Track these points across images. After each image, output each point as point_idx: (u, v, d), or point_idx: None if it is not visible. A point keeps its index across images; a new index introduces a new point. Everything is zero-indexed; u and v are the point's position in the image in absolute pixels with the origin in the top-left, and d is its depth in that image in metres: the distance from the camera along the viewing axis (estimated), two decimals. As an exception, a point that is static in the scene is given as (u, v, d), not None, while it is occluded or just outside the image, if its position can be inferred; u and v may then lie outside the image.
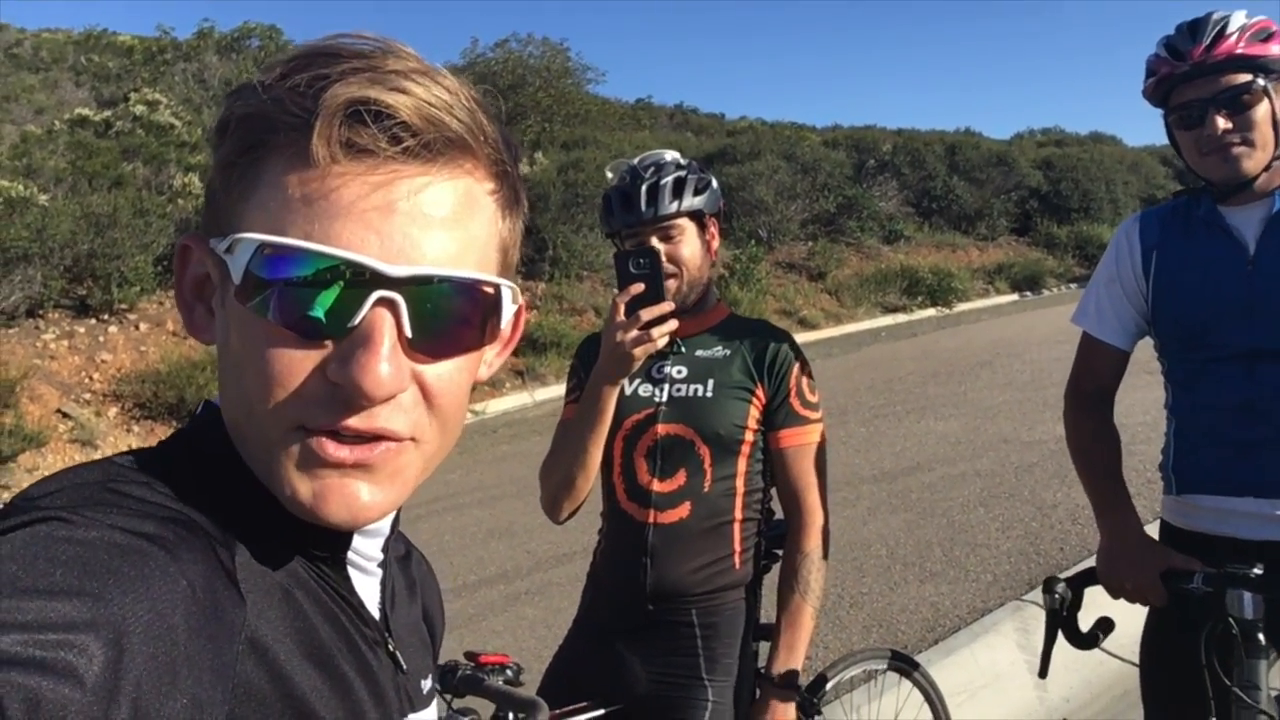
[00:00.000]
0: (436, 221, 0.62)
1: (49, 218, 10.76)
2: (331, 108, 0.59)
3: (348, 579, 0.72)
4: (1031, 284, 21.29)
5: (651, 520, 2.05)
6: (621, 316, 1.86)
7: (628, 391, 2.09)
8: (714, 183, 2.16)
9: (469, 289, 0.64)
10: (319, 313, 0.60)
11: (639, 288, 1.85)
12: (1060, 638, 1.99)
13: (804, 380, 2.11)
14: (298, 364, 0.60)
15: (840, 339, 16.40)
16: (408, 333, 0.61)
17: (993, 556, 5.46)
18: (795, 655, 2.04)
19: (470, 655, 2.03)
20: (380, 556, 0.76)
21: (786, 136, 23.77)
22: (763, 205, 19.04)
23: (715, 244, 2.16)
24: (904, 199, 22.81)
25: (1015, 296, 20.87)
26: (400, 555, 0.86)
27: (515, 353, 13.26)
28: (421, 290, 0.61)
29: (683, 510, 2.05)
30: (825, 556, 2.10)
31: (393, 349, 0.60)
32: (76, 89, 20.81)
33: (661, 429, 2.07)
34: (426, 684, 0.82)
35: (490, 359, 0.74)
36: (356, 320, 0.60)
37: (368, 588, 0.75)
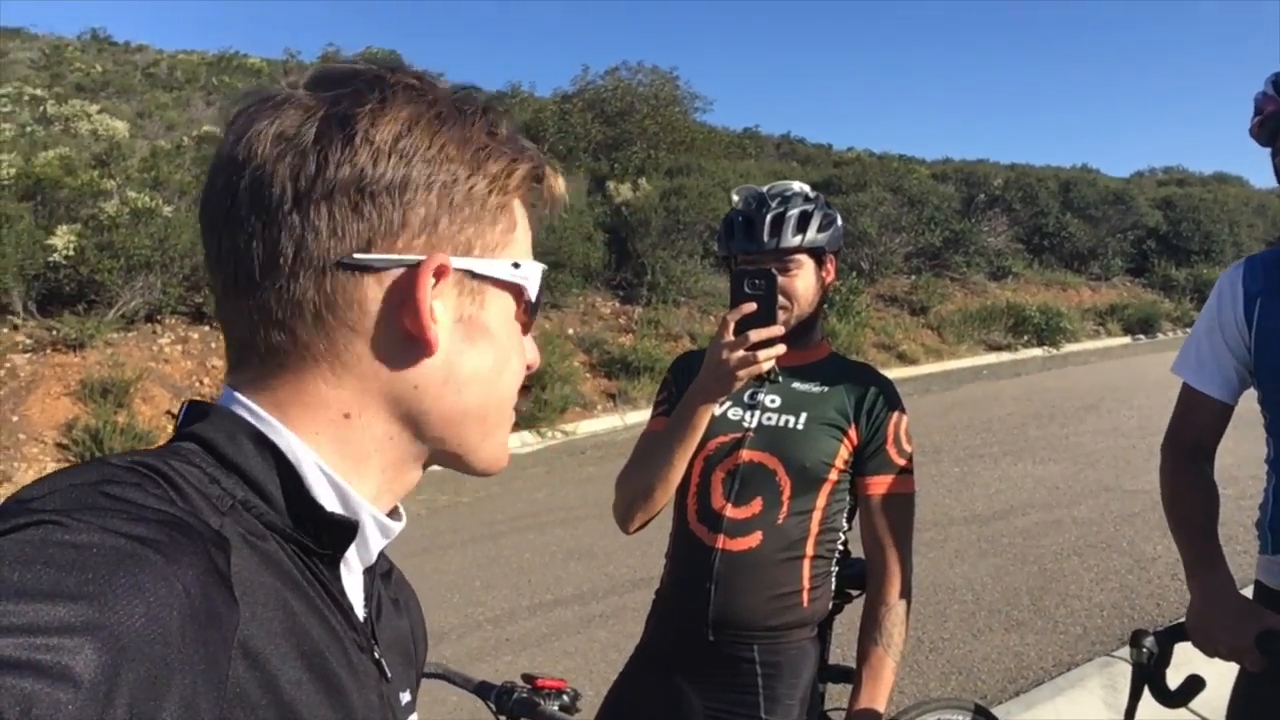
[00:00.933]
0: None
1: (171, 228, 11.24)
2: (558, 185, 0.80)
3: (339, 579, 0.73)
4: (1145, 327, 20.56)
5: (720, 545, 2.01)
6: (730, 335, 1.84)
7: (717, 412, 2.05)
8: (839, 220, 2.14)
9: None
10: (536, 319, 0.81)
11: (751, 307, 1.83)
12: (1147, 695, 1.89)
13: (902, 429, 2.06)
14: (527, 353, 0.80)
15: (940, 376, 16.05)
16: None
17: (1084, 609, 5.25)
18: (875, 709, 1.97)
19: (528, 678, 2.02)
20: (372, 560, 0.77)
21: (894, 168, 23.45)
22: (866, 237, 18.79)
23: (830, 281, 2.14)
24: (1014, 235, 22.27)
25: (1127, 339, 20.18)
26: (384, 571, 0.86)
27: (608, 375, 13.38)
28: None
29: (753, 539, 2.00)
30: (908, 608, 2.04)
31: None
32: (207, 108, 21.81)
33: (746, 455, 2.03)
34: (406, 696, 0.82)
35: None
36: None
37: (355, 592, 0.76)
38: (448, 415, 0.74)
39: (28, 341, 10.37)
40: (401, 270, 0.69)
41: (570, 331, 14.22)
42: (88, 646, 0.47)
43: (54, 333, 10.44)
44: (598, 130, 19.62)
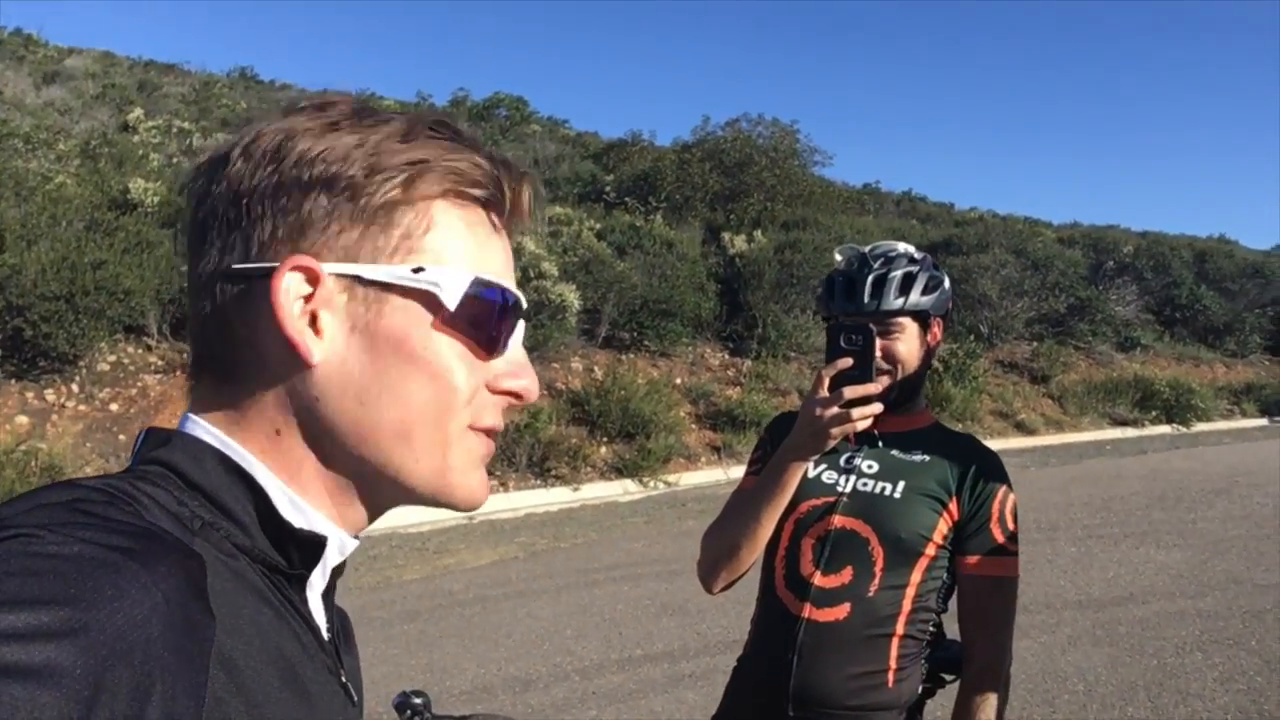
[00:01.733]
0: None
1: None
2: (526, 185, 0.76)
3: (306, 600, 0.73)
4: (1284, 408, 19.47)
5: (805, 615, 1.93)
6: (824, 391, 1.79)
7: (810, 474, 1.99)
8: (946, 283, 2.07)
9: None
10: (501, 336, 0.74)
11: (847, 363, 1.78)
12: None
13: (1008, 506, 1.96)
14: (475, 373, 0.73)
15: (1059, 448, 15.46)
16: None
17: (1206, 710, 4.90)
18: None
19: None
20: (326, 582, 0.76)
21: (1018, 230, 22.93)
22: (986, 300, 18.36)
23: (935, 345, 2.06)
24: (1144, 305, 21.47)
25: (1264, 421, 19.15)
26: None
27: (714, 427, 13.28)
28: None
29: (840, 610, 1.92)
30: (1005, 699, 1.93)
31: None
32: (342, 145, 22.63)
33: (838, 520, 1.95)
34: None
35: None
36: (515, 342, 0.76)
37: (319, 615, 0.75)
38: (357, 430, 0.71)
39: (159, 363, 10.85)
40: (270, 278, 0.68)
41: (678, 381, 14.20)
42: (70, 653, 0.48)
43: (184, 355, 10.89)
44: (715, 181, 19.67)
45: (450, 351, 0.71)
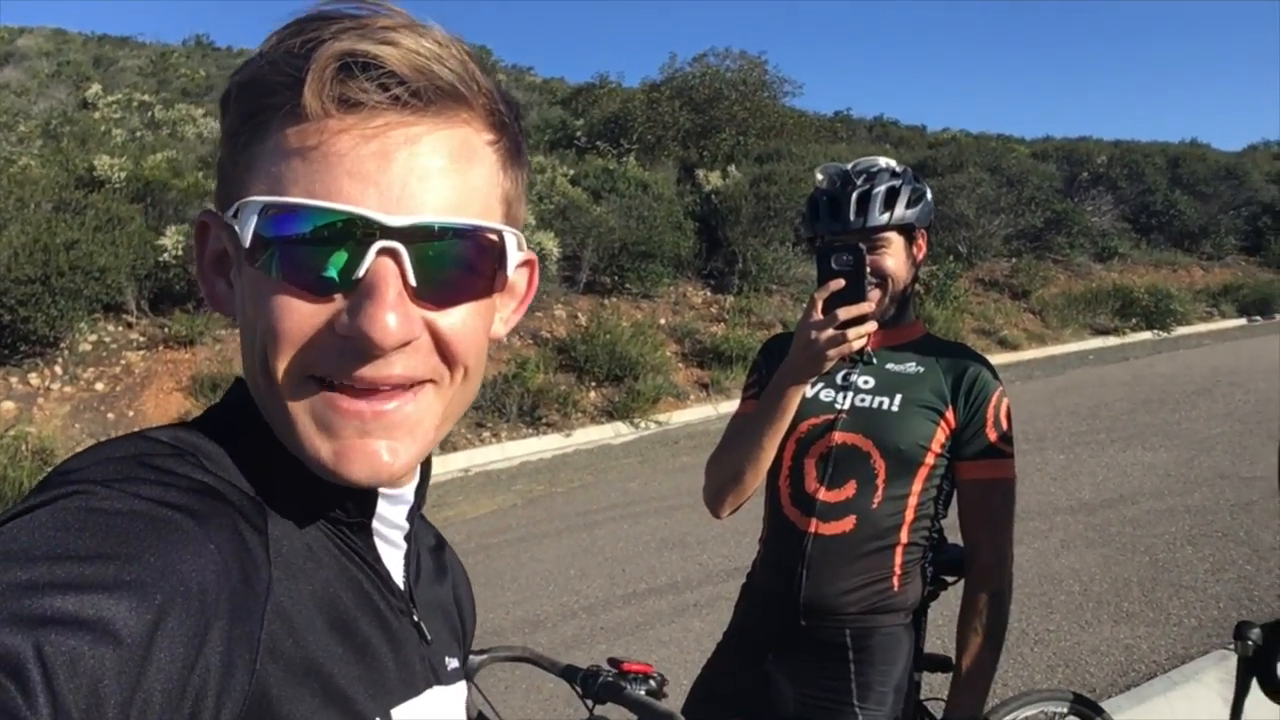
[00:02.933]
0: (434, 171, 0.62)
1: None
2: (321, 62, 0.59)
3: (373, 547, 0.73)
4: (1261, 308, 19.65)
5: (812, 530, 1.97)
6: (819, 314, 1.79)
7: (809, 394, 2.00)
8: (928, 194, 2.07)
9: (471, 236, 0.65)
10: (324, 268, 0.61)
11: (839, 284, 1.78)
12: (1256, 689, 1.80)
13: (1003, 411, 1.99)
14: (308, 319, 0.61)
15: (1043, 361, 15.61)
16: (412, 281, 0.62)
17: (1199, 600, 5.03)
18: (976, 699, 1.92)
19: (614, 661, 2.01)
20: (405, 527, 0.77)
21: (992, 148, 22.87)
22: (963, 220, 18.37)
23: (921, 257, 2.08)
24: (1119, 214, 21.52)
25: (1243, 321, 19.33)
26: (431, 545, 0.87)
27: (701, 365, 13.32)
28: (423, 240, 0.62)
29: (846, 523, 1.96)
30: (1009, 597, 1.98)
31: (398, 298, 0.61)
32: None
33: (838, 437, 1.98)
34: (452, 662, 0.82)
35: (506, 315, 0.75)
36: (360, 272, 0.60)
37: (393, 559, 0.76)
38: (250, 387, 0.68)
39: (141, 339, 10.80)
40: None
41: (662, 321, 14.22)
42: (127, 604, 0.49)
43: (165, 330, 10.84)
44: (686, 118, 19.52)
45: (261, 295, 0.63)
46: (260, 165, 0.62)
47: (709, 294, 15.52)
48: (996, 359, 15.39)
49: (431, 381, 0.65)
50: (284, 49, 0.62)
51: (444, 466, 9.87)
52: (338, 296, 0.61)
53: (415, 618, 0.76)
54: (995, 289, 18.40)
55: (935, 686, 2.21)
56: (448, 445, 10.28)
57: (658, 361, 12.59)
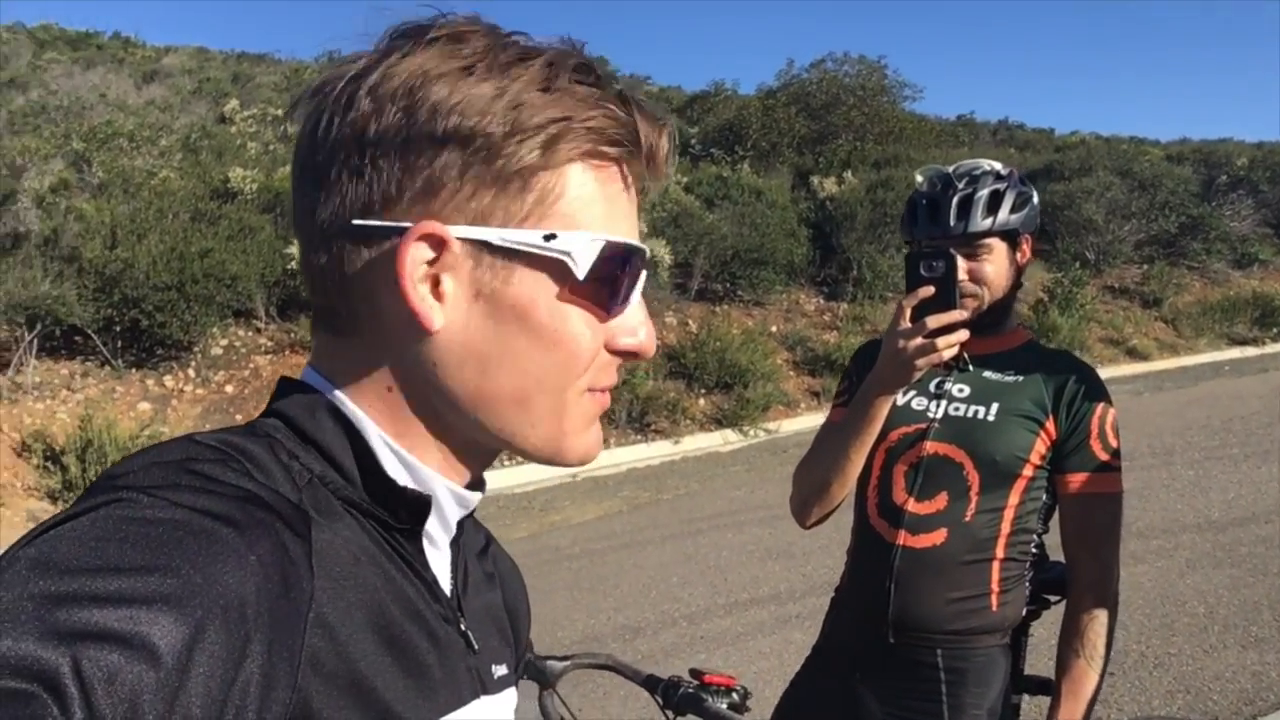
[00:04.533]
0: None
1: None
2: (661, 146, 0.71)
3: (422, 552, 0.72)
4: None
5: (900, 542, 1.91)
6: (906, 322, 1.74)
7: (900, 402, 1.96)
8: (1034, 197, 1.99)
9: None
10: (621, 295, 0.70)
11: (928, 291, 1.73)
12: None
13: (1108, 421, 1.89)
14: (597, 337, 0.70)
15: (1174, 372, 14.90)
16: None
17: (1336, 628, 4.72)
18: None
19: (695, 673, 1.99)
20: (454, 531, 0.76)
21: (1123, 151, 22.01)
22: (1091, 225, 17.70)
23: (1025, 262, 2.00)
24: (1260, 219, 20.37)
25: (1399, 331, 18.07)
26: (480, 548, 0.85)
27: (812, 373, 13.18)
28: None
29: (937, 536, 1.89)
30: (1114, 617, 1.88)
31: None
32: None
33: (930, 447, 1.92)
34: (500, 669, 0.80)
35: None
36: (637, 297, 0.72)
37: (440, 565, 0.75)
38: (474, 397, 0.68)
39: (269, 344, 11.26)
40: (395, 239, 0.64)
41: (773, 329, 14.11)
42: (167, 618, 0.49)
43: (292, 335, 11.28)
44: (802, 125, 19.35)
45: (576, 319, 0.68)
46: (575, 202, 0.67)
47: (822, 301, 15.33)
48: (1124, 369, 14.90)
49: None
50: (614, 102, 0.67)
51: (553, 471, 9.98)
52: (616, 320, 0.71)
53: (462, 626, 0.75)
54: (1125, 297, 17.67)
55: (1035, 710, 2.12)
56: (557, 450, 10.40)
57: (768, 369, 12.49)
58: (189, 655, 0.49)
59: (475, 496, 0.75)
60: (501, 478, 9.57)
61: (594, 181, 0.67)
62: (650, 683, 1.95)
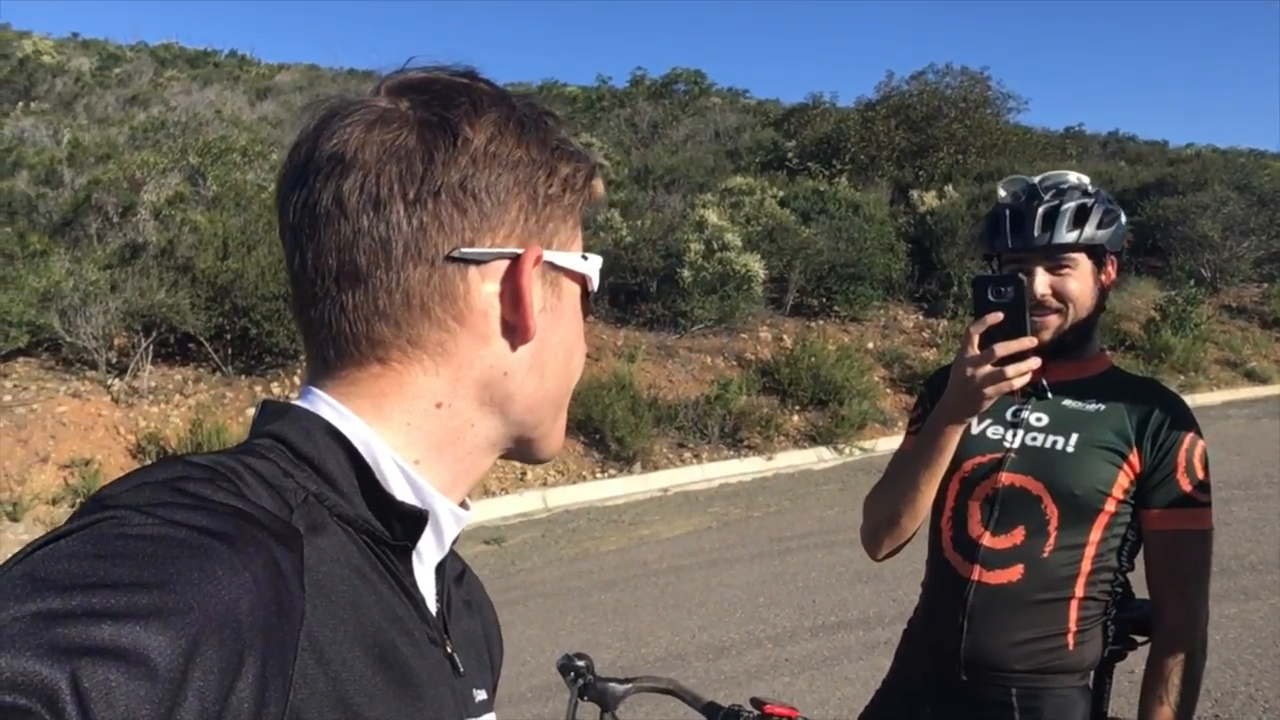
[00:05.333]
0: None
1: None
2: (599, 185, 0.82)
3: (412, 572, 0.74)
4: None
5: (975, 577, 1.85)
6: (975, 349, 1.70)
7: (974, 430, 1.91)
8: (1122, 217, 1.93)
9: None
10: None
11: (997, 318, 1.69)
12: None
13: (1196, 455, 1.81)
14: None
15: (1296, 396, 14.19)
16: None
17: None
18: None
19: (757, 702, 1.95)
20: (445, 552, 0.78)
21: (1241, 164, 21.11)
22: (1207, 241, 17.02)
23: (1109, 284, 1.93)
24: (1394, 235, 19.31)
25: None
26: (458, 573, 0.87)
27: (909, 391, 12.92)
28: None
29: (1013, 573, 1.83)
30: (1202, 662, 1.80)
31: None
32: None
33: (1005, 478, 1.86)
34: (481, 694, 0.82)
35: None
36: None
37: (427, 587, 0.77)
38: (531, 399, 0.77)
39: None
40: (505, 262, 0.74)
41: (870, 345, 13.89)
42: (160, 633, 0.49)
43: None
44: (901, 137, 19.02)
45: (578, 328, 0.82)
46: (575, 231, 0.80)
47: (920, 318, 15.04)
48: (1242, 393, 14.26)
49: None
50: (559, 142, 0.78)
51: (644, 485, 9.99)
52: None
53: (448, 648, 0.77)
54: (1243, 316, 16.93)
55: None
56: (649, 464, 10.42)
57: (864, 386, 12.29)
58: (185, 671, 0.49)
59: (467, 515, 0.78)
60: (591, 491, 9.62)
61: (576, 211, 0.81)
62: (710, 710, 1.93)
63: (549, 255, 0.76)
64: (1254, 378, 15.00)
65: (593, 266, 0.82)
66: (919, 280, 15.29)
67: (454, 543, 0.80)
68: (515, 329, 0.74)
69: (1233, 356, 15.52)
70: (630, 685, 1.98)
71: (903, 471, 1.89)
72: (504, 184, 0.73)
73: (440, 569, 0.79)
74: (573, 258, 0.79)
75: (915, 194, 16.96)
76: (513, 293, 0.74)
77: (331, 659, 0.62)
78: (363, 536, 0.69)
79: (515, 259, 0.74)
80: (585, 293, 0.82)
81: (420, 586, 0.75)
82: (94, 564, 0.52)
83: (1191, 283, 15.92)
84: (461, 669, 0.78)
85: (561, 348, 0.79)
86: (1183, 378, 14.15)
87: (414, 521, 0.72)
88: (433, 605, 0.77)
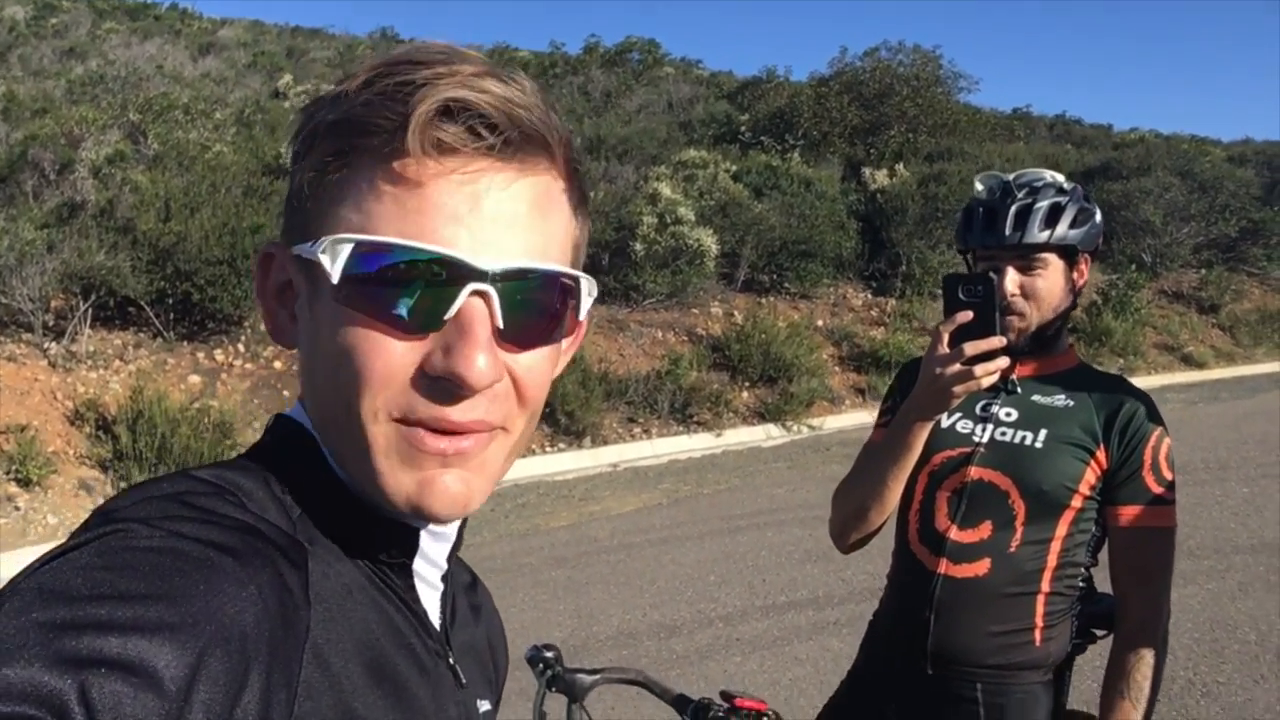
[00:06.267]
0: (521, 216, 0.64)
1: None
2: (424, 108, 0.60)
3: (413, 587, 0.74)
4: None
5: (941, 571, 1.86)
6: (944, 348, 1.71)
7: (944, 424, 1.91)
8: (1097, 216, 1.93)
9: (555, 281, 0.67)
10: (414, 307, 0.62)
11: (966, 316, 1.70)
12: None
13: (1162, 452, 1.83)
14: (397, 358, 0.62)
15: (1231, 382, 14.60)
16: (499, 324, 0.63)
17: (1396, 663, 4.58)
18: None
19: (726, 695, 1.95)
20: (444, 567, 0.77)
21: (1183, 150, 21.51)
22: (1148, 227, 17.36)
23: (1082, 284, 1.94)
24: (1327, 225, 19.87)
25: None
26: (466, 582, 0.87)
27: (858, 369, 13.06)
28: (511, 283, 0.64)
29: (980, 566, 1.84)
30: (1163, 657, 1.82)
31: (489, 340, 0.62)
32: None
33: (974, 472, 1.87)
34: (485, 705, 0.82)
35: (564, 351, 0.75)
36: (451, 313, 0.62)
37: (430, 600, 0.76)
38: (317, 421, 0.70)
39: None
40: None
41: (819, 323, 13.99)
42: (169, 646, 0.49)
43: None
44: (854, 114, 19.06)
45: (347, 331, 0.63)
46: (349, 203, 0.64)
47: (870, 296, 15.18)
48: (1179, 377, 14.64)
49: (503, 429, 0.67)
50: (377, 90, 0.62)
51: (594, 460, 9.99)
52: (427, 337, 0.63)
53: (451, 660, 0.76)
54: (1181, 301, 17.35)
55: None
56: (599, 439, 10.41)
57: (813, 364, 12.39)
58: (191, 683, 0.49)
59: (448, 529, 0.75)
60: (540, 464, 9.59)
61: (365, 182, 0.63)
62: (680, 703, 1.92)
63: (296, 250, 0.66)
64: (1190, 362, 15.39)
65: (323, 252, 0.63)
66: (869, 259, 15.41)
67: (455, 553, 0.79)
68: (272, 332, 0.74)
69: (1170, 341, 15.91)
70: (599, 676, 1.96)
71: (871, 465, 1.90)
72: (308, 160, 0.68)
73: (445, 579, 0.79)
74: (305, 247, 0.65)
75: (867, 171, 17.05)
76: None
77: (336, 672, 0.62)
78: (363, 551, 0.69)
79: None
80: (331, 286, 0.63)
81: (423, 600, 0.75)
82: (103, 576, 0.52)
83: (1133, 267, 16.25)
84: (464, 681, 0.78)
85: (312, 359, 0.67)
86: (1122, 361, 14.47)
87: (404, 538, 0.72)
88: (435, 619, 0.77)
